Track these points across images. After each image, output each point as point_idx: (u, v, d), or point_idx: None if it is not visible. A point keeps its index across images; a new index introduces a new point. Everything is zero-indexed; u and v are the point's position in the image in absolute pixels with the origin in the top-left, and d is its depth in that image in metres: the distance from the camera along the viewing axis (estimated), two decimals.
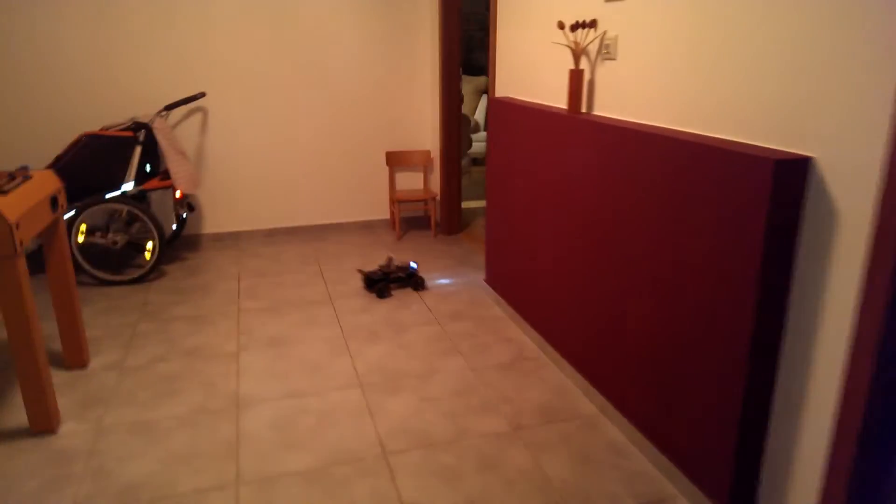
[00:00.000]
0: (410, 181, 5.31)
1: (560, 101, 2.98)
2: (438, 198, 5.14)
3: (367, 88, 4.98)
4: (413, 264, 4.13)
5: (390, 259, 4.12)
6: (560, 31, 2.91)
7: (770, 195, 1.68)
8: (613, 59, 2.53)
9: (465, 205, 5.96)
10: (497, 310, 3.68)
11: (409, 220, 5.45)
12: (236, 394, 2.82)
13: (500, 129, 3.44)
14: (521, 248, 3.32)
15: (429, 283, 4.08)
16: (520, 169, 3.24)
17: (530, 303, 3.27)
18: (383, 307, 3.73)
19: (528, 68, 3.28)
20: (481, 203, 6.17)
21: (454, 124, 4.90)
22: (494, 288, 3.77)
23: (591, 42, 2.65)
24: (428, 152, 5.17)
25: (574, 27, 2.58)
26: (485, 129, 7.82)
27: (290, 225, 5.12)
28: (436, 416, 2.66)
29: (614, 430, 2.55)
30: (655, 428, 2.32)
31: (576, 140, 2.67)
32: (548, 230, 3.00)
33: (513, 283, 3.48)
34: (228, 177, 4.86)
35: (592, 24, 2.58)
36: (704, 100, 2.07)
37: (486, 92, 7.85)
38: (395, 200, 4.92)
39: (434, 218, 5.07)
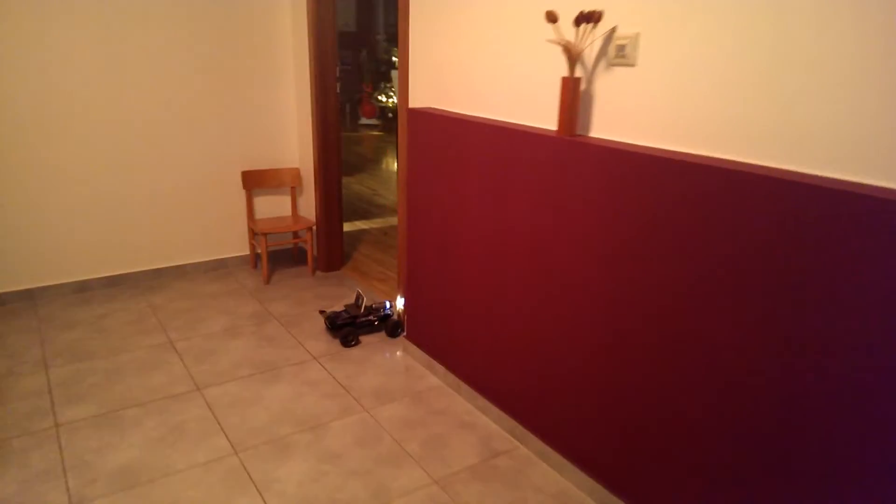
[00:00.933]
0: (275, 206, 4.26)
1: (531, 118, 2.27)
2: (315, 227, 4.16)
3: (215, 93, 3.83)
4: (388, 304, 3.33)
5: (359, 297, 3.31)
6: (540, 24, 2.19)
7: None
8: (631, 66, 1.88)
9: None
10: (432, 378, 2.88)
11: (276, 255, 4.39)
12: None
13: (430, 151, 2.64)
14: (471, 303, 2.57)
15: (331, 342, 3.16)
16: (468, 205, 2.48)
17: (488, 372, 2.54)
18: (277, 392, 2.74)
19: (466, 73, 2.52)
20: (350, 226, 5.27)
21: (332, 135, 3.97)
22: (422, 346, 2.98)
23: (592, 42, 1.98)
24: (297, 170, 4.17)
25: (578, 20, 1.88)
26: None
27: (113, 273, 3.79)
28: None
29: None
30: None
31: (577, 172, 1.98)
32: (523, 286, 2.29)
33: (454, 343, 2.72)
34: (14, 214, 3.43)
35: (597, 17, 1.90)
36: (813, 126, 1.50)
37: None
38: (259, 232, 3.86)
39: (311, 252, 4.09)
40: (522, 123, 2.29)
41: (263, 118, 4.04)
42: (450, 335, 2.75)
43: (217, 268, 4.15)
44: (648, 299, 1.84)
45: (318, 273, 4.17)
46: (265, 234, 3.85)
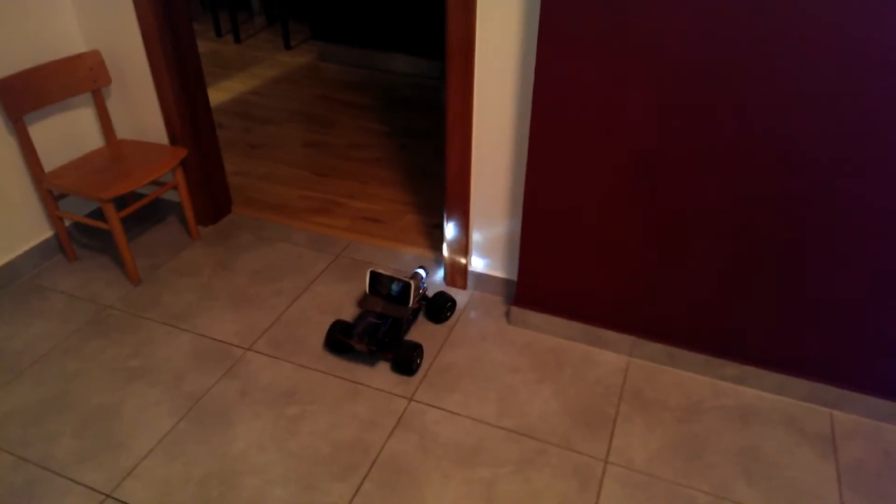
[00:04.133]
0: (68, 135, 2.21)
1: None
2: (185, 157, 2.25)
3: None
4: (422, 273, 1.98)
5: (389, 280, 1.87)
6: None
7: None
8: None
9: None
10: (615, 357, 1.85)
11: (91, 227, 2.38)
12: None
13: None
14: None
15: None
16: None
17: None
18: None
19: None
20: None
21: None
22: (566, 314, 1.88)
23: None
24: (96, 55, 2.12)
25: None
26: None
27: None
28: None
29: None
30: None
31: None
32: None
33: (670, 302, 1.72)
34: None
35: None
36: None
37: None
38: (97, 198, 1.93)
39: (189, 203, 2.28)
40: None
41: None
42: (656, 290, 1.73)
43: (3, 285, 2.08)
44: None
45: (202, 230, 2.42)
46: (108, 201, 1.94)
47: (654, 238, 1.64)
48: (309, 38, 4.44)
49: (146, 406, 1.68)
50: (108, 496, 1.45)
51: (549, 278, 1.84)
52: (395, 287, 1.87)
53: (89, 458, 1.54)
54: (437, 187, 2.73)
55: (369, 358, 1.84)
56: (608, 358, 1.86)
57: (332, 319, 1.98)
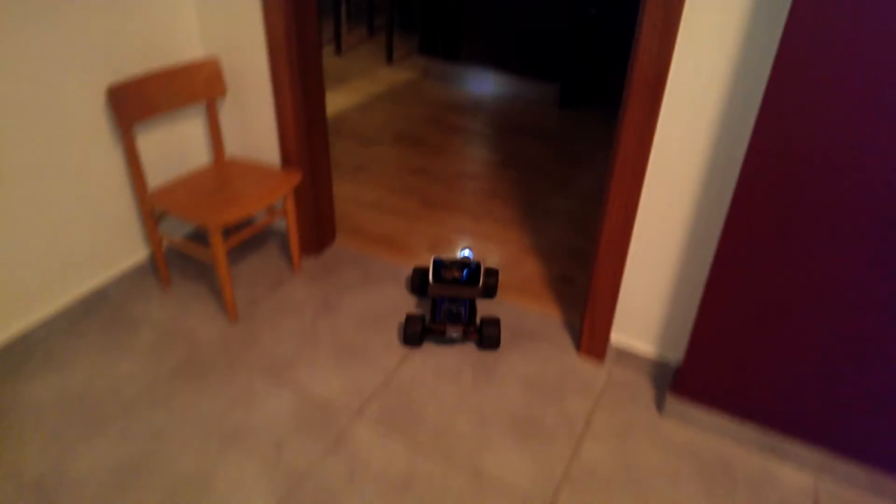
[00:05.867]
0: (174, 149, 2.02)
1: None
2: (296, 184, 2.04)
3: None
4: (469, 251, 1.98)
5: (446, 266, 1.84)
6: None
7: None
8: None
9: None
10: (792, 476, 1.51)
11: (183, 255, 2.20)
12: None
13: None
14: None
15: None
16: None
17: None
18: None
19: None
20: None
21: None
22: (738, 410, 1.54)
23: None
24: (213, 64, 1.94)
25: None
26: None
27: None
28: None
29: None
30: None
31: None
32: None
33: None
34: None
35: None
36: None
37: None
38: (206, 225, 1.72)
39: (296, 232, 2.06)
40: None
41: None
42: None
43: (91, 311, 1.90)
44: None
45: (305, 262, 2.19)
46: (218, 229, 1.72)
47: (879, 337, 1.29)
48: (412, 53, 4.24)
49: (241, 480, 1.44)
50: None
51: (722, 365, 1.51)
52: (465, 271, 1.84)
53: None
54: (559, 229, 2.43)
55: (459, 341, 1.87)
56: (791, 476, 1.50)
57: (449, 388, 1.70)
